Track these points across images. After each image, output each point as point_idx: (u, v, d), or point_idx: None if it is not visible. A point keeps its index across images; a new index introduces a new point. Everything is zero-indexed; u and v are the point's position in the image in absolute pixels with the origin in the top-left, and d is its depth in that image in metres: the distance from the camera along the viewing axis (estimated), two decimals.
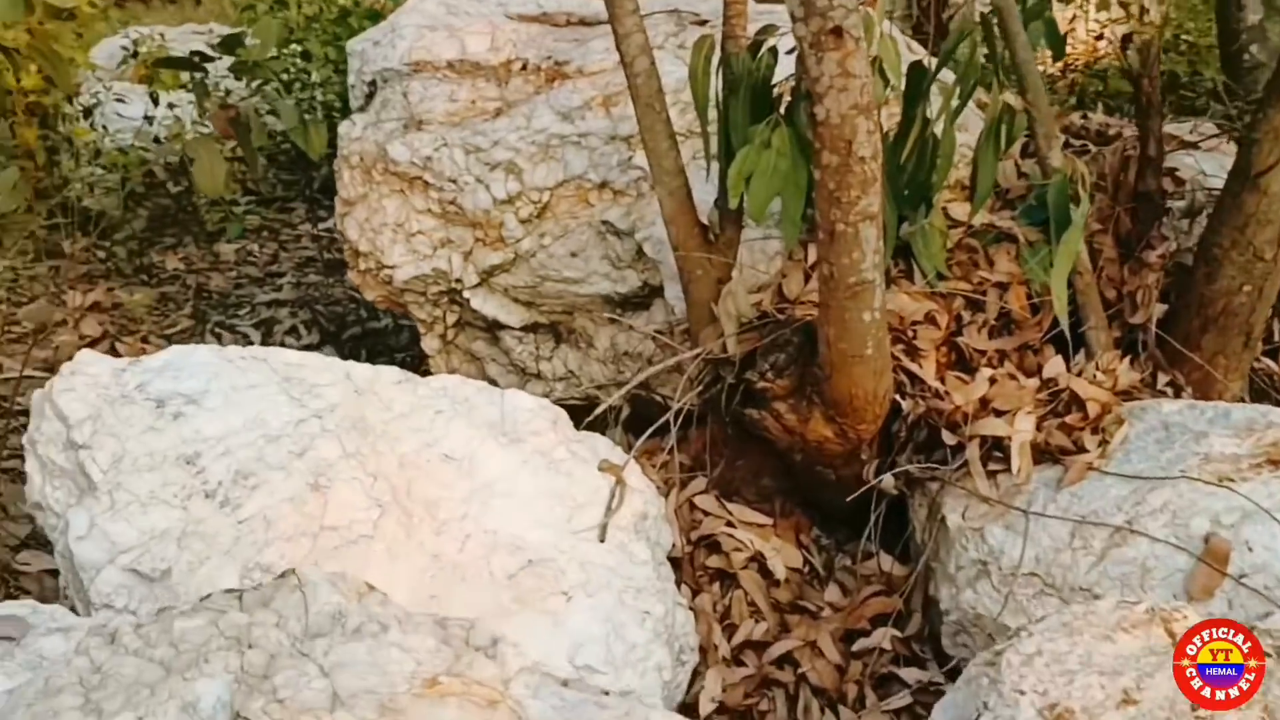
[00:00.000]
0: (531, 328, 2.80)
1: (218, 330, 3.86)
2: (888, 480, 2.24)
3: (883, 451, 2.30)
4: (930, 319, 2.35)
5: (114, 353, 3.82)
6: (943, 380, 2.25)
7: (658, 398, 2.68)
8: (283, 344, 3.90)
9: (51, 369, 3.70)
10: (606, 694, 1.54)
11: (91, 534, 1.76)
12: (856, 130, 1.79)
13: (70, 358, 3.87)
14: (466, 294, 2.73)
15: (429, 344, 2.93)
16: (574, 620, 1.89)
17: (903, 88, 2.27)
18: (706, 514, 2.48)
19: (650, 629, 1.95)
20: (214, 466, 1.85)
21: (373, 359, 3.99)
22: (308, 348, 3.90)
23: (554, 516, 2.04)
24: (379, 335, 3.79)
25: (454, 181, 2.67)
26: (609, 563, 2.03)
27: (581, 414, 2.90)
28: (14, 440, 3.23)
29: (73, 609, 1.78)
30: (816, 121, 1.82)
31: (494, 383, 2.88)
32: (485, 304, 2.75)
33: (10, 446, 3.23)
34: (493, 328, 2.83)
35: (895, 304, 2.31)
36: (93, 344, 3.81)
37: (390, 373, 2.10)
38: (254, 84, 4.02)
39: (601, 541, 2.05)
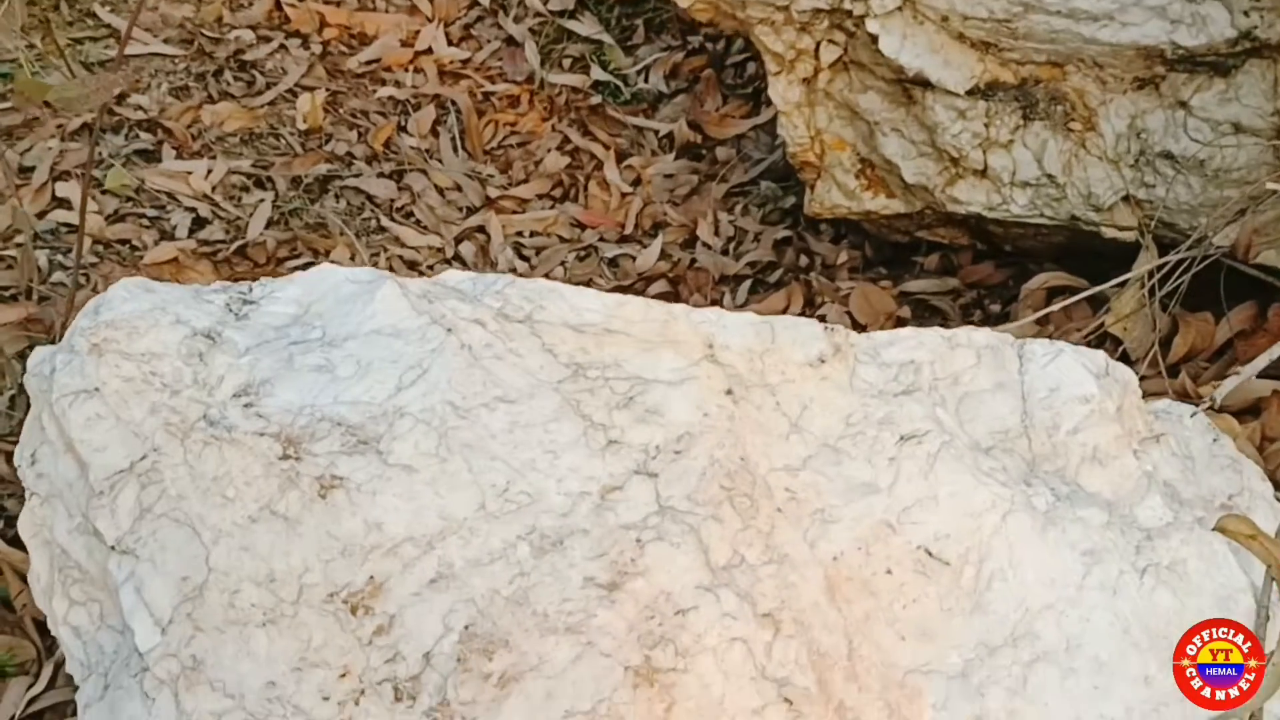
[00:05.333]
0: (984, 90, 1.52)
1: None
2: None
3: None
4: None
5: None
6: None
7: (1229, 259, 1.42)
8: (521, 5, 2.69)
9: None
10: None
11: None
12: None
13: None
14: (870, 25, 1.45)
15: (781, 92, 1.71)
16: None
17: None
18: None
19: None
20: (413, 621, 0.75)
21: (652, 36, 2.79)
22: (560, 15, 2.69)
23: (1151, 696, 0.89)
24: None
25: None
26: None
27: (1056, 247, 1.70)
28: None
29: None
30: None
31: (891, 169, 1.66)
32: (904, 46, 1.49)
33: None
34: (908, 82, 1.56)
35: None
36: None
37: (800, 332, 0.93)
38: None
39: None
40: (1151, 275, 1.51)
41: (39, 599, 0.96)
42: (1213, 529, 1.09)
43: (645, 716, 0.87)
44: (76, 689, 1.30)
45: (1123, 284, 1.56)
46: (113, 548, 0.88)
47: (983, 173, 1.70)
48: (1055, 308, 1.56)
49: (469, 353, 0.94)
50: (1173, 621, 1.02)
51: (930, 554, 0.98)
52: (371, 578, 0.88)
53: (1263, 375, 1.48)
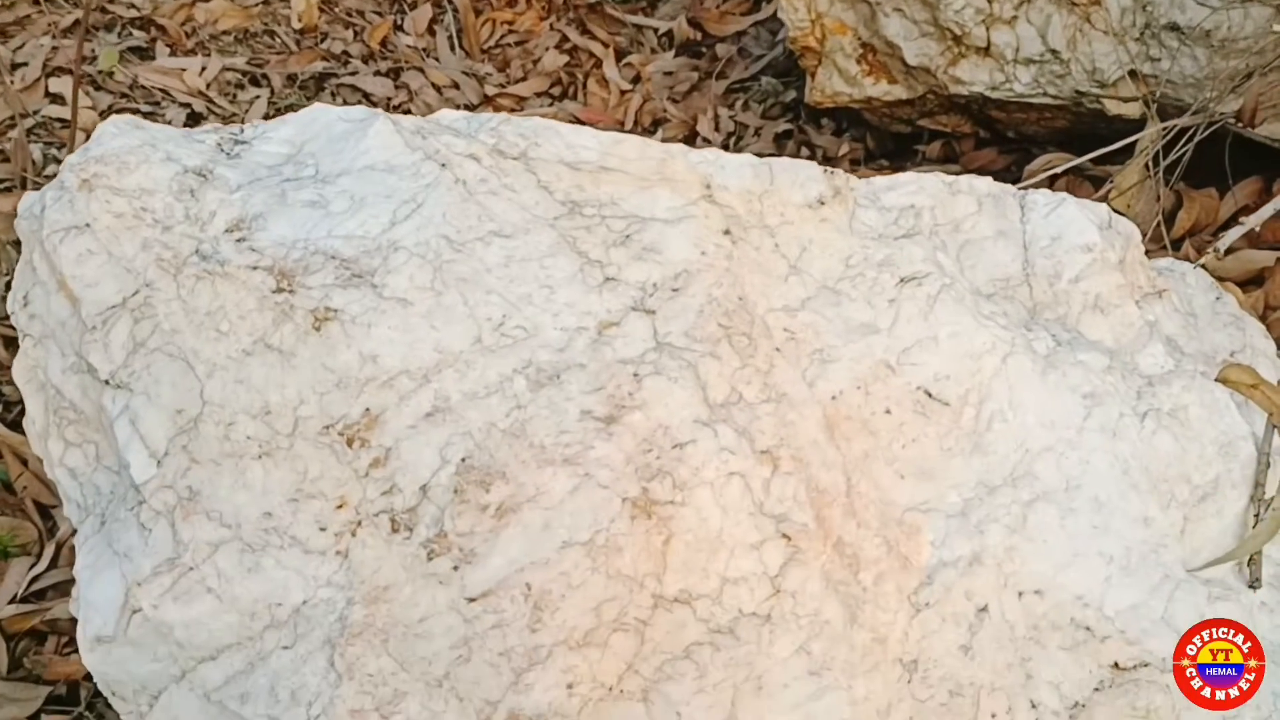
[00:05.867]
0: None
1: None
2: None
3: None
4: None
5: None
6: None
7: (1235, 126, 1.41)
8: None
9: None
10: None
11: (130, 630, 0.73)
12: None
13: None
14: None
15: None
16: None
17: None
18: None
19: None
20: (410, 454, 0.75)
21: None
22: None
23: (1150, 537, 0.90)
24: None
25: None
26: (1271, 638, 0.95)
27: (1059, 132, 1.71)
28: None
29: None
30: None
31: (893, 52, 1.65)
32: None
33: None
34: None
35: None
36: None
37: (799, 174, 0.93)
38: None
39: (1254, 587, 0.94)
40: (1157, 148, 1.50)
41: (35, 443, 0.96)
42: (1215, 379, 1.09)
43: (643, 548, 0.87)
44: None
45: (1128, 151, 1.54)
46: (106, 382, 0.88)
47: (986, 50, 1.68)
48: (1057, 170, 1.54)
49: (463, 188, 0.92)
50: (1173, 465, 1.01)
51: (930, 394, 0.97)
52: (367, 410, 0.87)
53: (1267, 246, 1.47)
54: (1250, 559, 1.01)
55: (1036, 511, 0.96)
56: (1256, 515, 1.03)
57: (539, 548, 0.85)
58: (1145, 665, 0.94)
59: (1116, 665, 0.94)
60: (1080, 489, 0.97)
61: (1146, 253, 1.25)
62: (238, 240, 0.90)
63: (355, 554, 0.86)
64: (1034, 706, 0.92)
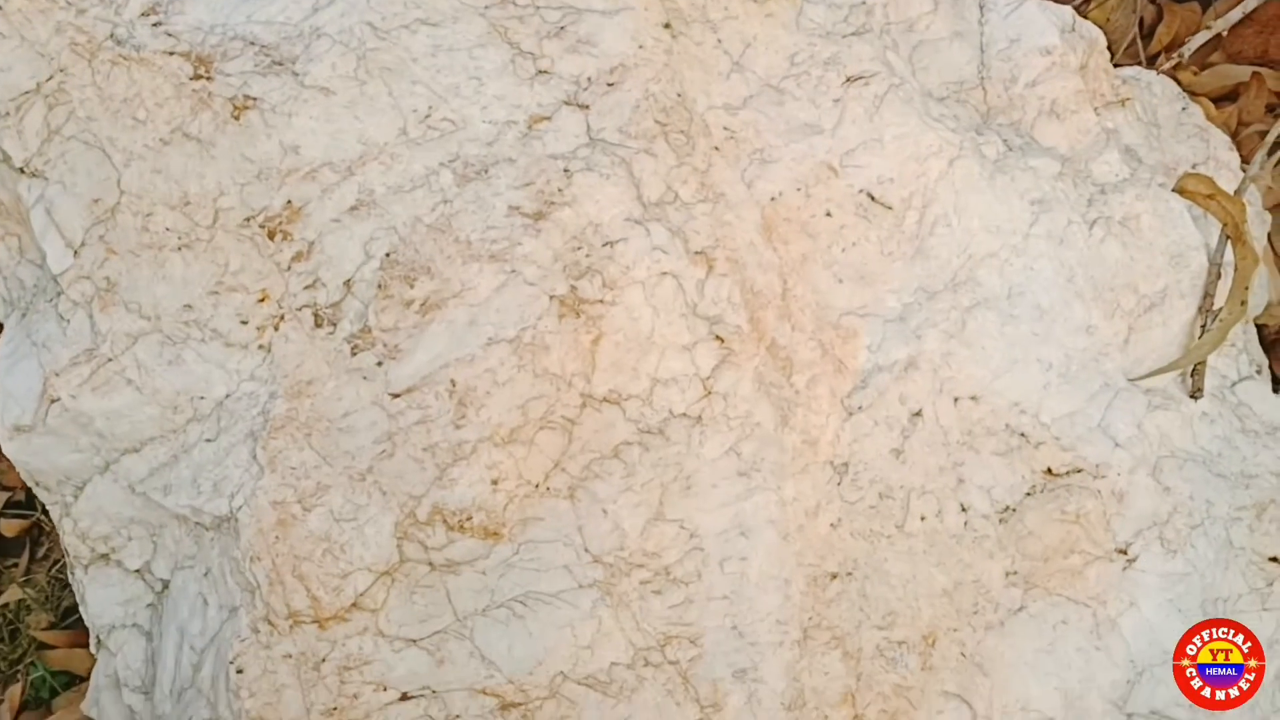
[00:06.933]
0: None
1: None
2: None
3: None
4: None
5: None
6: None
7: None
8: None
9: None
10: None
11: (49, 420, 0.74)
12: None
13: None
14: None
15: None
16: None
17: None
18: None
19: None
20: (333, 248, 0.74)
21: None
22: None
23: (1091, 345, 0.90)
24: None
25: None
26: (1195, 449, 0.94)
27: None
28: None
29: None
30: None
31: None
32: None
33: None
34: None
35: None
36: None
37: None
38: None
39: (1195, 397, 0.94)
40: None
41: None
42: (1172, 189, 1.06)
43: (571, 346, 0.85)
44: None
45: None
46: (21, 170, 0.85)
47: None
48: None
49: None
50: (1119, 274, 0.99)
51: (872, 197, 0.94)
52: (289, 202, 0.85)
53: (1245, 61, 1.42)
54: (1194, 369, 1.00)
55: (976, 317, 0.94)
56: (1204, 326, 1.01)
57: (464, 344, 0.84)
58: (1078, 471, 0.94)
59: (1049, 471, 0.93)
60: (1023, 296, 0.96)
61: (1119, 65, 1.20)
62: (154, 24, 0.86)
63: (278, 348, 0.85)
64: (964, 510, 0.92)
